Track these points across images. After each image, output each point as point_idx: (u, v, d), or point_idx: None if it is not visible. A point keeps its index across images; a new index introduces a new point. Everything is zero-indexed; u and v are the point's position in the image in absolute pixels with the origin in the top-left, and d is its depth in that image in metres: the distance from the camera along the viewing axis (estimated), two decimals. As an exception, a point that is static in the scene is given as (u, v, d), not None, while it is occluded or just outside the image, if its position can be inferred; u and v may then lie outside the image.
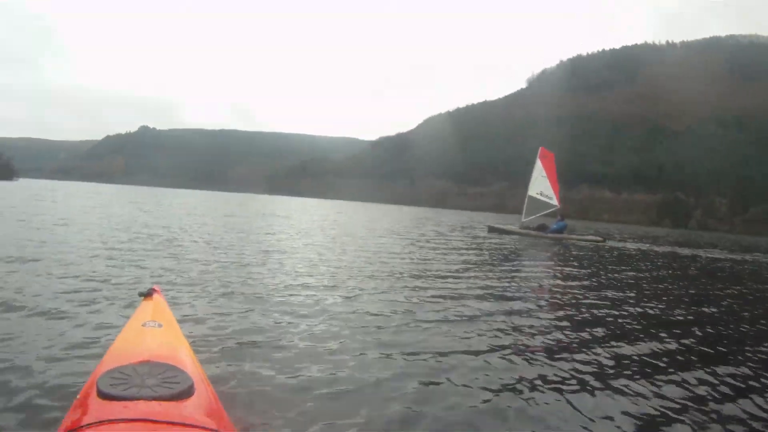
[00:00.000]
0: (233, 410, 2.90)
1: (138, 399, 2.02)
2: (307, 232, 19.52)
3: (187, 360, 2.64)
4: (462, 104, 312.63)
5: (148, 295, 3.58)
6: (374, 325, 5.67)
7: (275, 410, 3.37)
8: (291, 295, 7.09)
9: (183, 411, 2.04)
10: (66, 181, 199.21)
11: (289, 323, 5.50)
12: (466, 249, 17.08)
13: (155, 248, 11.12)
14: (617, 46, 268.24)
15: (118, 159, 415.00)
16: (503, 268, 12.33)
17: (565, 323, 6.55)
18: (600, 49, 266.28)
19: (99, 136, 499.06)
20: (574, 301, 8.28)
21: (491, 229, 29.09)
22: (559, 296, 8.93)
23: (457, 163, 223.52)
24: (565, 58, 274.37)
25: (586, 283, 10.58)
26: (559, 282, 10.74)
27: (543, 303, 8.01)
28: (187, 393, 2.14)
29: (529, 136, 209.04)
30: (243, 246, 12.86)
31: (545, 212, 27.81)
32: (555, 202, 27.67)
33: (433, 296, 7.64)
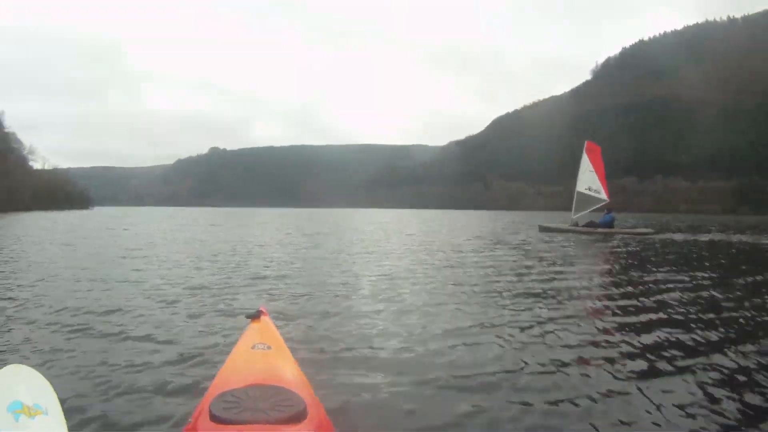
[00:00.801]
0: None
1: (251, 423, 2.08)
2: (410, 249, 18.16)
3: (297, 382, 2.69)
4: (528, 102, 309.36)
5: (255, 317, 3.67)
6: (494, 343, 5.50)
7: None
8: (403, 314, 6.91)
9: None
10: (141, 207, 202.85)
11: (402, 347, 5.30)
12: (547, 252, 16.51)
13: (257, 270, 11.22)
14: (678, 27, 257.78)
15: (190, 182, 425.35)
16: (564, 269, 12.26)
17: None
18: (661, 32, 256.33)
19: (170, 160, 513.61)
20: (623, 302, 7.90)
21: (542, 229, 28.98)
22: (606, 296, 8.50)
23: (529, 163, 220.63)
24: (627, 45, 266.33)
25: (634, 282, 10.01)
26: (609, 281, 10.29)
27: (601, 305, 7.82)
28: (300, 416, 2.16)
29: (599, 127, 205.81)
30: (342, 263, 12.83)
31: (595, 207, 27.86)
32: (604, 196, 27.85)
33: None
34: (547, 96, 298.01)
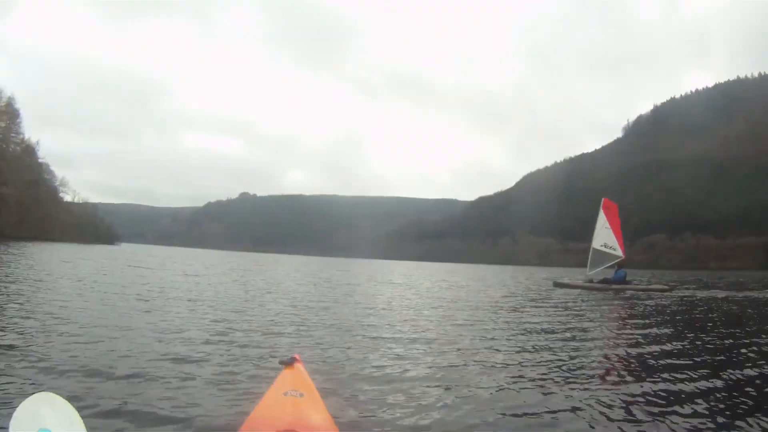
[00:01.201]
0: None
1: None
2: (456, 301, 17.94)
3: (327, 430, 2.72)
4: (560, 158, 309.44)
5: (289, 363, 3.72)
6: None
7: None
8: (433, 369, 6.64)
9: None
10: (168, 246, 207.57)
11: (430, 402, 5.13)
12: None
13: (290, 315, 11.32)
14: (710, 85, 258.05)
15: (219, 225, 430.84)
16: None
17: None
18: (693, 90, 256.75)
19: (200, 202, 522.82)
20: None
21: (557, 284, 28.76)
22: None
23: (559, 219, 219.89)
24: (658, 103, 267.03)
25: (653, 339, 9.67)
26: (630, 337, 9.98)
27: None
28: None
29: (630, 185, 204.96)
30: (375, 312, 12.82)
31: (610, 264, 27.56)
32: (620, 252, 27.63)
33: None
34: (578, 153, 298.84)
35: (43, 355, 5.90)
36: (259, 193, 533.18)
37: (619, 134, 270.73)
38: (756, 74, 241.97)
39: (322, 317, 11.26)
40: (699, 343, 9.16)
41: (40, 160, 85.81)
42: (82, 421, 2.39)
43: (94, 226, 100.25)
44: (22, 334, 7.20)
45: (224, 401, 4.66)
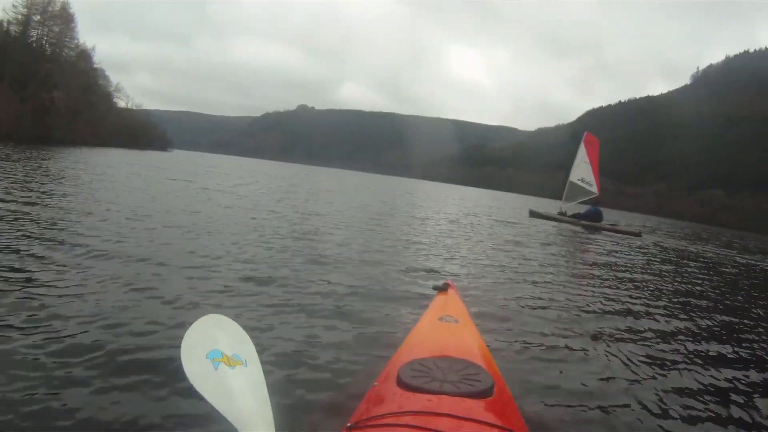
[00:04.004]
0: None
1: (440, 393, 2.06)
2: None
3: (484, 358, 2.66)
4: (624, 98, 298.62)
5: (443, 289, 3.71)
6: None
7: (569, 418, 3.34)
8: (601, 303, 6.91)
9: (484, 410, 2.03)
10: (224, 155, 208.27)
11: (597, 332, 5.40)
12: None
13: (441, 238, 11.72)
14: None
15: (275, 136, 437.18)
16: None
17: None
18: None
19: (257, 112, 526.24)
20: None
21: (533, 214, 29.67)
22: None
23: (617, 160, 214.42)
24: (731, 54, 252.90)
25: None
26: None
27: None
28: (488, 392, 2.11)
29: (696, 136, 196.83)
30: (522, 241, 13.20)
31: (584, 199, 27.81)
32: (595, 189, 27.81)
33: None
34: (643, 95, 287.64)
35: (208, 274, 5.83)
36: (317, 107, 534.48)
37: (687, 81, 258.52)
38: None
39: (478, 246, 11.36)
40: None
41: (95, 66, 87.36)
42: (251, 340, 2.42)
43: (146, 131, 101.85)
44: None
45: (379, 324, 4.76)
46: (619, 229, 25.80)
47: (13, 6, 69.64)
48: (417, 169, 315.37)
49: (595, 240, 19.28)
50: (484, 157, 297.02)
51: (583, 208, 27.10)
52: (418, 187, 68.10)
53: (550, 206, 28.06)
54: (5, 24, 69.03)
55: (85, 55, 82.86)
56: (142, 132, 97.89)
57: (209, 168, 42.46)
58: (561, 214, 27.49)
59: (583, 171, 28.32)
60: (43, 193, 10.98)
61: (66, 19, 75.43)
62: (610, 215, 55.71)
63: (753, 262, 21.41)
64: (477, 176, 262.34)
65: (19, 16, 70.26)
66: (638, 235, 25.14)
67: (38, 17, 72.62)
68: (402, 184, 68.71)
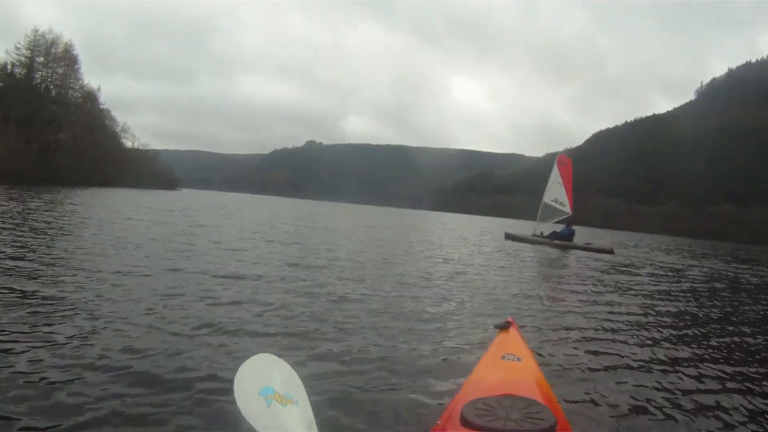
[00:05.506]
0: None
1: (503, 431, 2.08)
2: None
3: (547, 397, 2.69)
4: (630, 119, 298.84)
5: (504, 327, 3.70)
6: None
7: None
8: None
9: None
10: (233, 193, 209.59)
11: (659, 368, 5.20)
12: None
13: (502, 277, 11.46)
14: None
15: (284, 172, 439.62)
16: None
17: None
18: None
19: (264, 150, 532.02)
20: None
21: (508, 236, 30.04)
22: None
23: (627, 181, 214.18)
24: (733, 66, 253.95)
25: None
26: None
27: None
28: (550, 430, 2.14)
29: (701, 151, 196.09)
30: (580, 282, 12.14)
31: (558, 219, 28.20)
32: (568, 209, 28.08)
33: None
34: (649, 113, 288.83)
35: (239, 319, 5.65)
36: (325, 142, 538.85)
37: (691, 96, 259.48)
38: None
39: (537, 286, 10.85)
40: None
41: (101, 106, 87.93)
42: (300, 380, 2.49)
43: (152, 170, 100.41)
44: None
45: (440, 363, 4.71)
46: (592, 247, 25.96)
47: (16, 48, 71.71)
48: (427, 200, 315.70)
49: (567, 258, 19.68)
50: (492, 185, 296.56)
51: (560, 228, 27.46)
52: (429, 217, 66.35)
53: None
54: (9, 66, 71.00)
55: (91, 96, 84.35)
56: (148, 171, 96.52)
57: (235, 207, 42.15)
58: (536, 235, 27.86)
59: (556, 191, 28.72)
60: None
61: (70, 60, 77.65)
62: (621, 237, 56.08)
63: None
64: (487, 204, 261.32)
65: (23, 58, 72.30)
66: (610, 252, 25.30)
67: (42, 59, 74.67)
68: (417, 216, 68.42)
